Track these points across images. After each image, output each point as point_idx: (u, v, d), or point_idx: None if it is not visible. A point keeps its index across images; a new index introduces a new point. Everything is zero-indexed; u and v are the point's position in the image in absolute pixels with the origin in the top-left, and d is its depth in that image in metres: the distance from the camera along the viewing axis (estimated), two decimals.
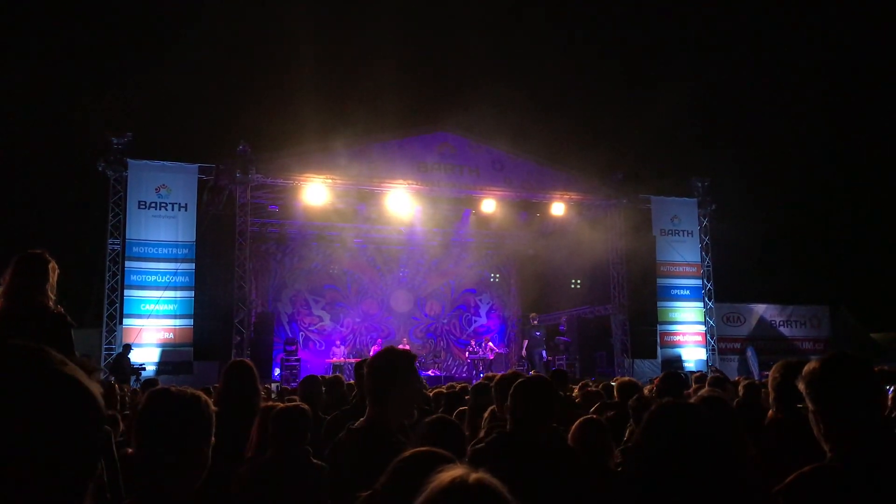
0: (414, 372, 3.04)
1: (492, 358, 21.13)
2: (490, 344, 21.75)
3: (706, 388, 5.50)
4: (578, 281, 22.96)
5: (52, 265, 4.11)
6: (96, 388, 0.98)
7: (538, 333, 20.47)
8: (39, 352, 0.95)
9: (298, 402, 3.98)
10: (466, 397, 5.43)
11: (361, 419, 3.05)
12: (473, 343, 22.44)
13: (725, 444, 2.06)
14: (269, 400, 6.74)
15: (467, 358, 22.21)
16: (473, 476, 1.29)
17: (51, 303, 4.03)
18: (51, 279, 4.08)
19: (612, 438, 4.12)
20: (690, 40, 29.19)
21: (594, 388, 6.46)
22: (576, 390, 6.86)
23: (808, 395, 2.09)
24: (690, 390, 5.96)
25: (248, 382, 4.24)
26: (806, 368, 2.12)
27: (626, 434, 4.71)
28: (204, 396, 2.14)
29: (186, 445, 2.01)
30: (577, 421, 4.05)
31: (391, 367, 3.00)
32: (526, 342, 20.52)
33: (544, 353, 20.34)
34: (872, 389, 2.05)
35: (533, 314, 21.80)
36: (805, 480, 1.98)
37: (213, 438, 2.09)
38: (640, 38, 31.00)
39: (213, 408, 2.13)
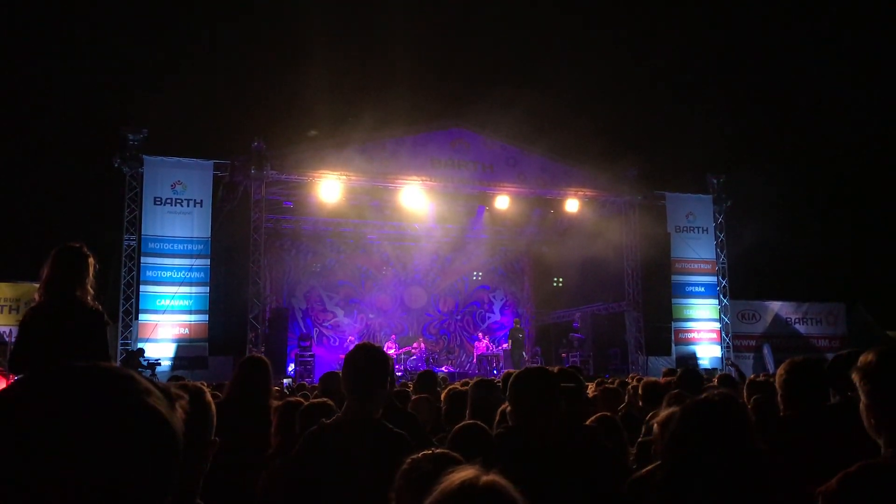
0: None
1: (502, 354, 21.20)
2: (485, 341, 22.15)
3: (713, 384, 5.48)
4: (561, 280, 23.19)
5: (91, 259, 4.09)
6: (177, 422, 0.96)
7: (520, 336, 21.19)
8: (127, 380, 0.93)
9: (325, 400, 3.99)
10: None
11: (337, 414, 3.12)
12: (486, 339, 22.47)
13: (751, 438, 2.12)
14: (283, 396, 6.76)
15: (475, 351, 22.25)
16: (484, 478, 1.27)
17: (89, 298, 4.02)
18: (90, 273, 4.07)
19: (626, 436, 4.11)
20: (705, 35, 29.00)
21: (611, 385, 6.43)
22: (592, 387, 6.83)
23: (862, 388, 2.04)
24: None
25: (260, 378, 4.25)
26: (861, 360, 2.07)
27: (643, 431, 4.69)
28: (206, 391, 2.17)
29: (190, 437, 2.04)
30: (592, 418, 4.05)
31: (385, 365, 3.15)
32: (510, 342, 20.81)
33: (525, 354, 20.90)
34: None
35: (517, 319, 22.12)
36: (854, 479, 1.91)
37: (214, 431, 2.12)
38: (654, 33, 30.86)
39: (212, 402, 2.16)
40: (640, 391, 5.86)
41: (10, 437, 0.83)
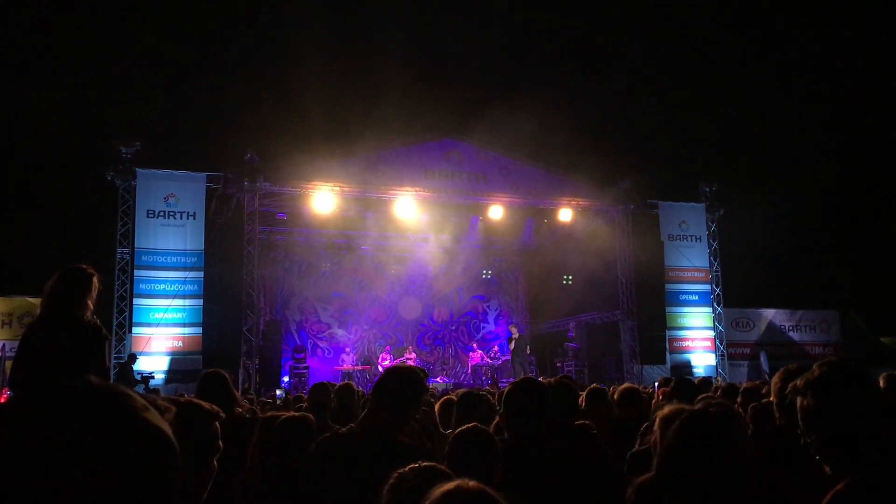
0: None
1: (499, 365, 21.15)
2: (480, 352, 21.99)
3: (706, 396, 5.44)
4: (571, 277, 22.97)
5: (95, 278, 4.24)
6: (170, 431, 0.97)
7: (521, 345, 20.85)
8: (124, 396, 0.94)
9: (303, 413, 3.98)
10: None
11: (352, 424, 3.10)
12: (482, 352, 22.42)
13: (747, 451, 2.10)
14: (275, 408, 6.74)
15: (470, 361, 22.19)
16: (463, 488, 1.29)
17: (88, 313, 4.12)
18: (93, 292, 4.19)
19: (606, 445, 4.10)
20: (697, 44, 29.17)
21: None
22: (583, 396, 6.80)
23: (808, 426, 1.97)
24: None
25: (222, 392, 4.27)
26: (799, 402, 1.99)
27: (637, 442, 4.68)
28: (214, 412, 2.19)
29: (194, 456, 2.04)
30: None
31: (417, 388, 3.19)
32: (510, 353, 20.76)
33: (530, 361, 20.62)
34: (873, 400, 1.93)
35: (512, 327, 21.98)
36: (846, 498, 1.84)
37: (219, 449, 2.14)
38: (645, 43, 31.01)
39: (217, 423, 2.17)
40: (615, 397, 5.73)
41: (16, 456, 0.84)
